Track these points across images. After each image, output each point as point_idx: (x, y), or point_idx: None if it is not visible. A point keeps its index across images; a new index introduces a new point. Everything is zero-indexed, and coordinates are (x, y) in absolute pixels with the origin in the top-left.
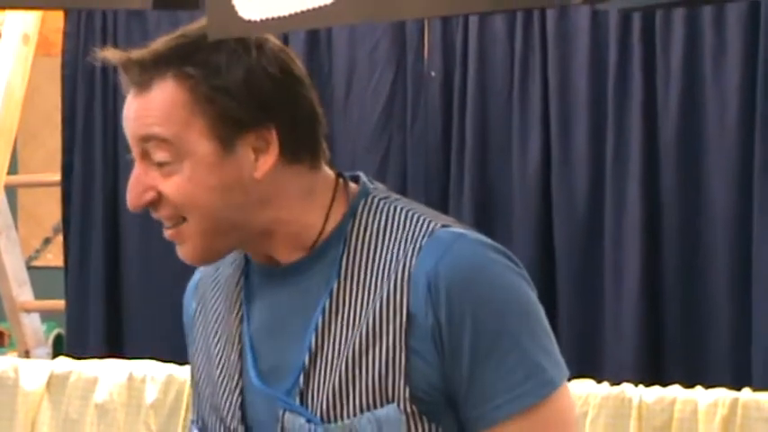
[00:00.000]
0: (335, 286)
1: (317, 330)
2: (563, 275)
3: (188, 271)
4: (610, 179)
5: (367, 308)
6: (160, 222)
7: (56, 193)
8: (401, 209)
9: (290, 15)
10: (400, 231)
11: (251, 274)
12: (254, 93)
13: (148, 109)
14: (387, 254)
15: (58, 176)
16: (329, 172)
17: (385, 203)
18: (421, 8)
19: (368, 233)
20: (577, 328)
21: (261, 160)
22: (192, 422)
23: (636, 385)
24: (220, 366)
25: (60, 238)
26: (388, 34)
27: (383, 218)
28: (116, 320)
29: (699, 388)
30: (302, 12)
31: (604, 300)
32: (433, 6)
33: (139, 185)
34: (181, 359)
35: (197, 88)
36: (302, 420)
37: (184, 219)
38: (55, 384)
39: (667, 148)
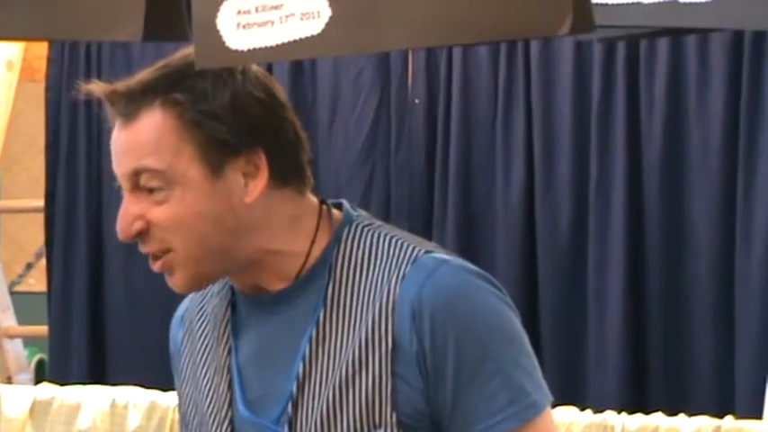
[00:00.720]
0: (321, 315)
1: (304, 359)
2: (546, 302)
3: (171, 297)
4: (593, 206)
5: (353, 336)
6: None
7: (38, 219)
8: (385, 235)
9: (278, 46)
10: (384, 258)
11: (237, 305)
12: (242, 116)
13: (137, 140)
14: (371, 281)
15: (41, 202)
16: (313, 199)
17: (369, 230)
18: (406, 39)
19: (353, 261)
20: (560, 356)
21: (251, 185)
22: None
23: (619, 413)
24: (209, 397)
25: (42, 262)
26: (371, 62)
27: (367, 245)
28: (99, 346)
29: (682, 416)
30: (289, 42)
31: (587, 327)
32: (418, 38)
33: (129, 216)
34: (164, 385)
35: (185, 114)
36: None
37: (171, 251)
38: (38, 411)
39: (651, 175)
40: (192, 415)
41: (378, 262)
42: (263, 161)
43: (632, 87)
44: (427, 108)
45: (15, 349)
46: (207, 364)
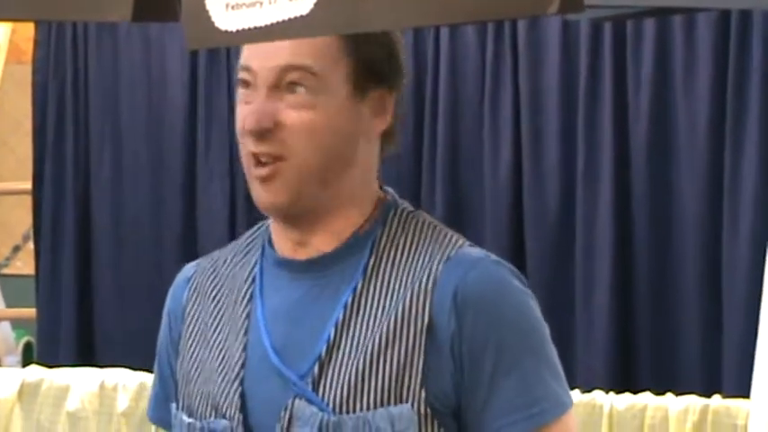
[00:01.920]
0: (360, 285)
1: (336, 325)
2: (534, 284)
3: (160, 279)
4: (581, 188)
5: (389, 309)
6: (133, 231)
7: (25, 201)
8: (429, 223)
9: (266, 26)
10: (427, 242)
11: (266, 265)
12: (394, 55)
13: (301, 40)
14: (413, 261)
15: (28, 184)
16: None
17: (413, 216)
18: (393, 20)
19: (395, 240)
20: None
21: (377, 120)
22: (174, 408)
23: (607, 392)
24: (220, 357)
25: (30, 245)
26: None
27: (411, 228)
28: (87, 328)
29: (669, 395)
30: (278, 23)
31: (575, 308)
32: (406, 18)
33: (262, 111)
34: (153, 367)
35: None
36: (313, 409)
37: (282, 159)
38: (27, 393)
39: (638, 156)
40: (197, 373)
41: (421, 244)
42: (391, 103)
43: (619, 68)
44: (415, 90)
45: (3, 332)
46: (220, 326)
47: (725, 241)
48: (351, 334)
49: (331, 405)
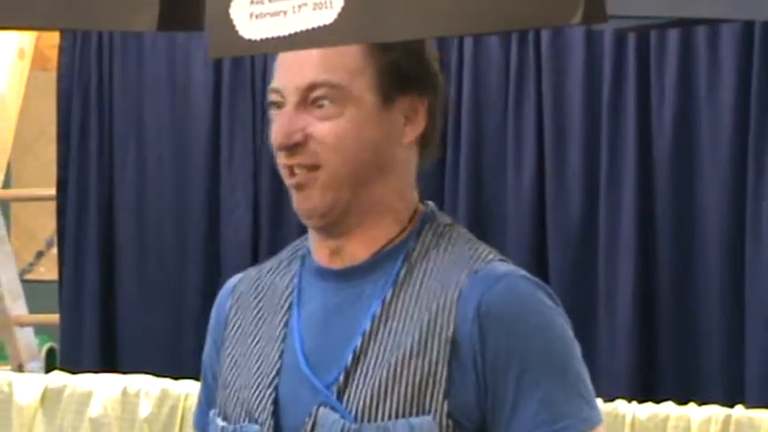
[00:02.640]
0: (389, 296)
1: (364, 335)
2: (556, 291)
3: (183, 285)
4: (604, 196)
5: (416, 320)
6: (157, 237)
7: (48, 207)
8: (462, 237)
9: (290, 35)
10: (458, 256)
11: (305, 274)
12: (424, 60)
13: (322, 54)
14: (442, 273)
15: (52, 190)
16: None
17: (448, 230)
18: (417, 29)
19: (428, 253)
20: None
21: (408, 128)
22: (213, 414)
23: (629, 401)
24: (258, 362)
25: (53, 251)
26: None
27: (444, 241)
28: (110, 334)
29: (692, 405)
30: (302, 32)
31: (598, 315)
32: (430, 28)
33: (290, 125)
34: (175, 374)
35: None
36: (336, 416)
37: (316, 168)
38: (50, 398)
39: (661, 164)
40: (234, 378)
41: (452, 258)
42: (424, 109)
43: (643, 78)
44: None
45: (27, 338)
46: (260, 333)
47: (748, 251)
48: (378, 344)
49: (354, 413)
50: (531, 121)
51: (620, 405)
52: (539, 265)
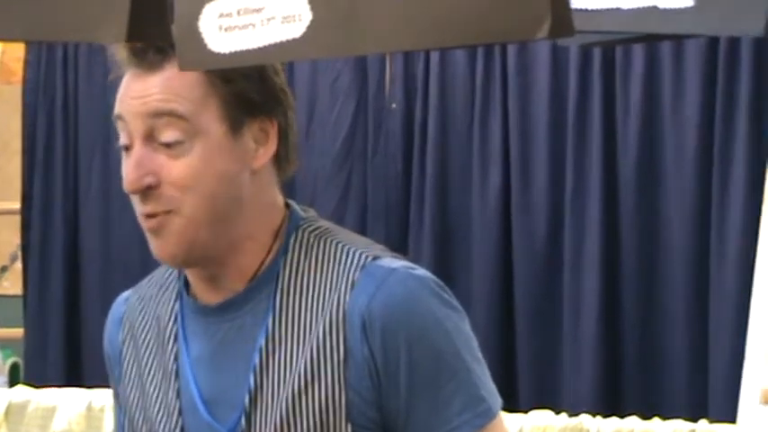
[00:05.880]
0: (270, 325)
1: (255, 371)
2: (522, 307)
3: None
4: (569, 210)
5: (304, 346)
6: (122, 251)
7: (11, 221)
8: (331, 241)
9: (259, 49)
10: (332, 266)
11: (185, 311)
12: (267, 82)
13: (164, 86)
14: (320, 290)
15: (17, 204)
16: (281, 197)
17: (315, 237)
18: (385, 43)
19: (300, 269)
20: (536, 359)
21: (260, 151)
22: None
23: (594, 416)
24: (158, 404)
25: (16, 266)
26: (349, 66)
27: (314, 253)
28: (75, 349)
29: (656, 419)
30: (271, 45)
31: (563, 331)
32: (397, 41)
33: (141, 168)
34: None
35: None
36: None
37: (175, 212)
38: (13, 413)
39: (626, 180)
40: (140, 421)
41: (326, 270)
42: (274, 130)
43: (608, 92)
44: (405, 113)
45: None
46: (153, 370)
47: (712, 267)
48: (271, 378)
49: None
50: (497, 135)
51: (585, 420)
52: (504, 279)
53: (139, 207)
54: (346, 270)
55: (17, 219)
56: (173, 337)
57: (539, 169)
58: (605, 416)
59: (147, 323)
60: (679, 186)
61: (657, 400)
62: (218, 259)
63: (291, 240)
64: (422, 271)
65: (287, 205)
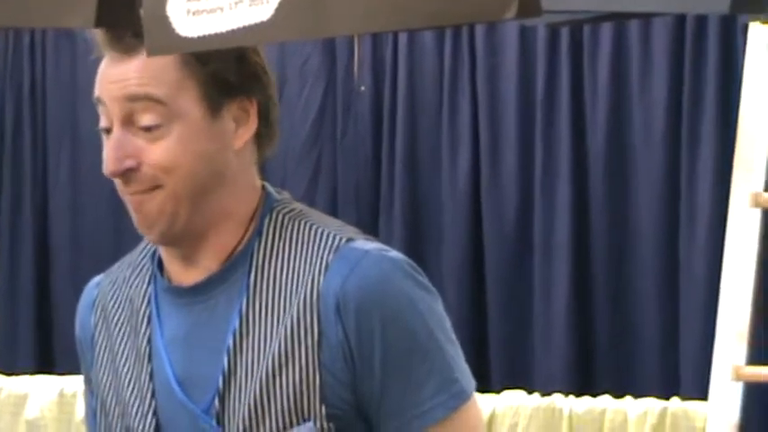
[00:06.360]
0: (245, 307)
1: (228, 353)
2: (493, 289)
3: None
4: (538, 191)
5: (278, 327)
6: (91, 238)
7: None
8: (305, 224)
9: (227, 32)
10: (306, 248)
11: (159, 292)
12: (244, 63)
13: (140, 69)
14: (294, 272)
15: None
16: (258, 177)
17: (290, 219)
18: (353, 25)
19: (274, 251)
20: (508, 341)
21: (240, 131)
22: None
23: (566, 396)
24: (131, 386)
25: None
26: (318, 49)
27: (287, 235)
28: (46, 336)
29: (628, 398)
30: (239, 29)
31: (534, 312)
32: (366, 23)
33: (120, 150)
34: None
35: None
36: None
37: (158, 188)
38: None
39: (596, 160)
40: (113, 404)
41: (299, 252)
42: (254, 110)
43: (576, 73)
44: (373, 95)
45: None
46: (126, 352)
47: (682, 245)
48: (245, 359)
49: None
50: (466, 117)
51: (558, 399)
52: (475, 261)
53: (121, 188)
54: (320, 252)
55: None
56: (146, 319)
57: (508, 150)
58: (578, 395)
59: (119, 306)
60: (648, 166)
61: (629, 379)
62: (197, 236)
63: (266, 222)
64: (395, 253)
65: (262, 187)
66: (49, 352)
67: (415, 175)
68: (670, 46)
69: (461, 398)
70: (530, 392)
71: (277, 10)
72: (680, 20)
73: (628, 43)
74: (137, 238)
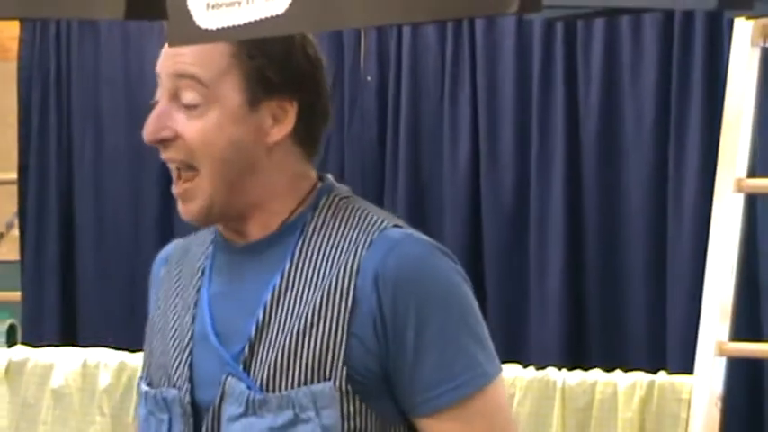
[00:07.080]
0: (287, 267)
1: (265, 306)
2: (491, 267)
3: (139, 263)
4: (534, 179)
5: (315, 291)
6: (113, 216)
7: (8, 191)
8: (357, 208)
9: (245, 24)
10: (354, 226)
11: (217, 251)
12: (291, 65)
13: (193, 51)
14: (339, 243)
15: (13, 175)
16: (313, 171)
17: (344, 203)
18: (363, 17)
19: (324, 225)
20: (505, 317)
21: (276, 129)
22: (140, 378)
23: (559, 369)
24: (174, 328)
25: (13, 233)
26: (326, 40)
27: (339, 214)
28: (70, 311)
29: (618, 371)
30: (256, 21)
31: (530, 290)
32: (374, 16)
33: (160, 121)
34: (132, 347)
35: (242, 45)
36: (243, 386)
37: (193, 169)
38: (13, 371)
39: (588, 150)
40: (158, 344)
41: (347, 229)
42: (293, 111)
43: (570, 65)
44: (378, 85)
45: None
46: (177, 299)
47: (669, 229)
48: (279, 315)
49: (259, 383)
50: (466, 106)
51: (551, 372)
52: (474, 241)
53: (163, 154)
54: (366, 231)
55: (14, 188)
56: (200, 272)
57: (505, 137)
58: (570, 369)
59: (184, 263)
60: (638, 153)
61: (620, 353)
62: (239, 217)
63: (322, 201)
64: (436, 242)
65: (321, 179)
66: (72, 325)
67: (417, 160)
68: (659, 40)
69: (486, 378)
70: (525, 366)
71: (291, 4)
72: (668, 15)
73: (619, 37)
74: (155, 218)
